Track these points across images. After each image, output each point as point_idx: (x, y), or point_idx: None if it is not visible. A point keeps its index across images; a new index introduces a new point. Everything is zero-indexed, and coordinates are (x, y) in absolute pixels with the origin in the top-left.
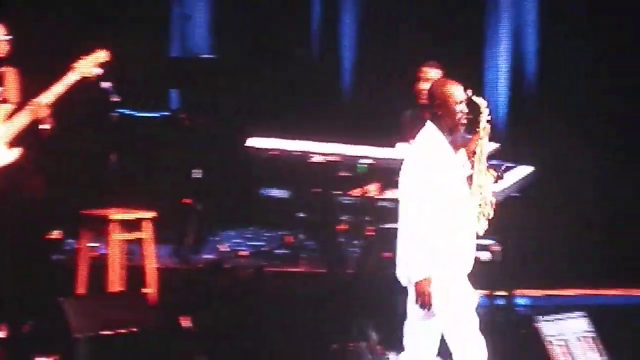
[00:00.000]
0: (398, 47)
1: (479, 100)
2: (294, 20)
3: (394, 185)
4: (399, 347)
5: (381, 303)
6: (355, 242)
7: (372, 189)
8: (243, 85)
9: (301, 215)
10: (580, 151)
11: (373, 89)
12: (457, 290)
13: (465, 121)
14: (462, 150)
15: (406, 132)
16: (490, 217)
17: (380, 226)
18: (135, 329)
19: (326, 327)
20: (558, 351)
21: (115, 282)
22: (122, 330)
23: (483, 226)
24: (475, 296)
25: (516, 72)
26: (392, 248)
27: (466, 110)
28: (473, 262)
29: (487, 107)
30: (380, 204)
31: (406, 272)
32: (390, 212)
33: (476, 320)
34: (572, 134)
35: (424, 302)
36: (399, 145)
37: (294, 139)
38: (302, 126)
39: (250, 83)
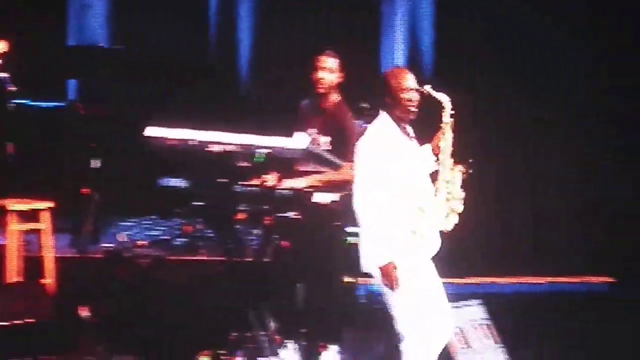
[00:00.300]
0: (295, 36)
1: (440, 95)
2: (191, 8)
3: (292, 174)
4: (297, 336)
5: (279, 292)
6: (254, 231)
7: (270, 178)
8: (141, 74)
9: (200, 204)
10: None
11: (271, 78)
12: (419, 283)
13: (414, 109)
14: (427, 145)
15: (304, 122)
16: (459, 212)
17: (278, 215)
18: (33, 320)
19: (225, 316)
20: (454, 339)
21: (13, 273)
22: (21, 321)
23: (452, 221)
24: (439, 284)
25: (412, 61)
26: (290, 236)
27: (416, 98)
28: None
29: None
30: (278, 193)
31: (368, 263)
32: (288, 201)
33: (446, 309)
34: (467, 121)
35: (391, 285)
36: (296, 134)
37: (192, 128)
38: (201, 116)
39: (149, 72)
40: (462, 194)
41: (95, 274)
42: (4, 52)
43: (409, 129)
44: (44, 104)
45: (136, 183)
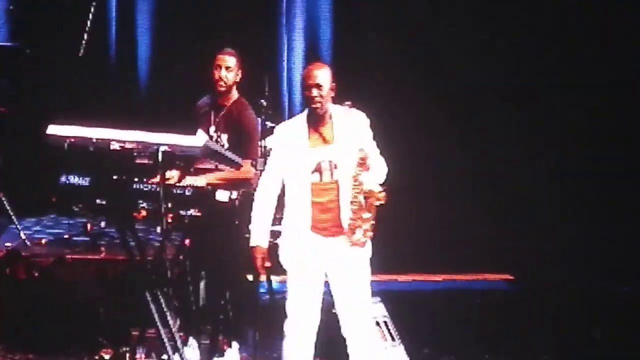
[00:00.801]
0: (194, 35)
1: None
2: (90, 9)
3: (193, 172)
4: (199, 333)
5: (181, 289)
6: (155, 229)
7: (172, 176)
8: (43, 73)
9: (101, 202)
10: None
11: (170, 76)
12: (300, 278)
13: (314, 106)
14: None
15: (203, 119)
16: (367, 234)
17: (180, 213)
18: None
19: (127, 313)
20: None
21: None
22: None
23: (357, 237)
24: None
25: (311, 56)
26: (191, 234)
27: (314, 94)
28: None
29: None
30: (179, 191)
31: None
32: (189, 199)
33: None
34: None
35: (254, 265)
36: (199, 132)
37: (94, 126)
38: (103, 114)
39: (50, 71)
40: (369, 216)
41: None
42: None
43: (329, 130)
44: None
45: (37, 181)
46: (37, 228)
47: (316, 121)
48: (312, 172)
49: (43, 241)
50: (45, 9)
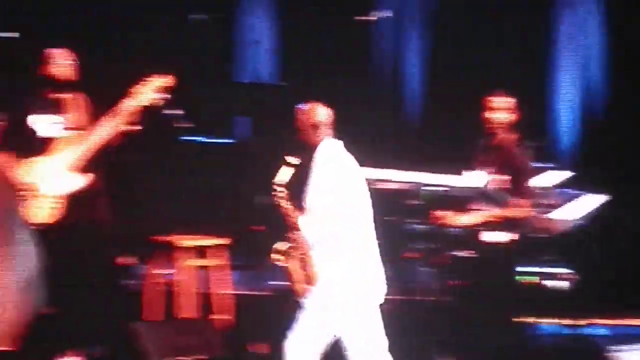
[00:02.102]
0: (466, 75)
1: None
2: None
3: (467, 212)
4: None
5: (456, 332)
6: (424, 269)
7: (442, 216)
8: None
9: None
10: None
11: (443, 118)
12: None
13: None
14: None
15: (480, 160)
16: None
17: (453, 254)
18: (206, 356)
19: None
20: None
21: (187, 308)
22: (194, 357)
23: None
24: None
25: (585, 97)
26: (463, 275)
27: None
28: None
29: None
30: (451, 231)
31: None
32: (462, 240)
33: None
34: None
35: None
36: (475, 173)
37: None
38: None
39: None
40: None
41: (269, 311)
42: (169, 87)
43: None
44: (215, 140)
45: None
46: None
47: None
48: None
49: None
50: (310, 45)
